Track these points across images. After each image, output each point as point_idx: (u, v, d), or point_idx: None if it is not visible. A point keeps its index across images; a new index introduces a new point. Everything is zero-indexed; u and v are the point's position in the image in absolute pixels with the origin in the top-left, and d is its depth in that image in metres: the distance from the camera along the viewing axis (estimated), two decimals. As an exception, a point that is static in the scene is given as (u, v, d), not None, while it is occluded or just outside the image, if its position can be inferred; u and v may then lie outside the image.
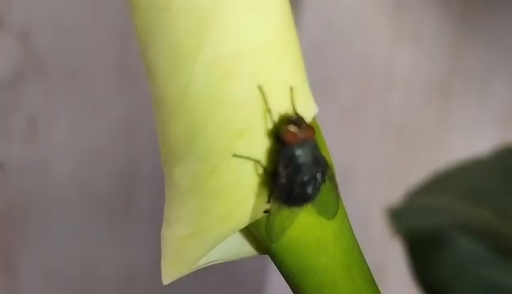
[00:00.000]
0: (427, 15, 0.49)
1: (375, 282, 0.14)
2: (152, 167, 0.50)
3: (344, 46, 0.49)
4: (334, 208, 0.12)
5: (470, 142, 0.49)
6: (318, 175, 0.11)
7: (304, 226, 0.12)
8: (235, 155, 0.11)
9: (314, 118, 0.12)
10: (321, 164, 0.11)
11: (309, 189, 0.11)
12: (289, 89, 0.11)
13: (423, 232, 0.39)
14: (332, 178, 0.12)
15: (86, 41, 0.46)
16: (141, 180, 0.50)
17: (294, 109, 0.11)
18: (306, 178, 0.11)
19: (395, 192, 0.41)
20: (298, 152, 0.11)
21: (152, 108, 0.42)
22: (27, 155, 0.46)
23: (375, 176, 0.50)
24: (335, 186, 0.12)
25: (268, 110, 0.11)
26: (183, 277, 0.14)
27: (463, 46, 0.50)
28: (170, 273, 0.13)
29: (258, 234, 0.13)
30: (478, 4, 0.50)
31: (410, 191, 0.41)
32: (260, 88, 0.11)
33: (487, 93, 0.50)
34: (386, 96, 0.51)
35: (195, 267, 0.13)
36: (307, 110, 0.12)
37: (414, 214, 0.41)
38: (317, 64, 0.48)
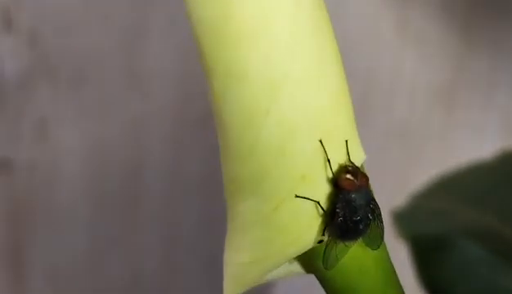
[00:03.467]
0: (432, 18, 0.51)
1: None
2: (160, 168, 0.51)
3: (349, 49, 0.52)
4: (379, 241, 0.15)
5: (475, 146, 0.52)
6: (369, 215, 0.14)
7: (352, 254, 0.15)
8: (297, 196, 0.14)
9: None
10: (372, 205, 0.14)
11: (361, 226, 0.14)
12: (344, 141, 0.14)
13: (427, 235, 0.41)
14: (379, 216, 0.15)
15: (95, 41, 0.48)
16: (149, 181, 0.51)
17: (349, 158, 0.14)
18: (359, 217, 0.14)
19: (399, 195, 0.43)
20: (355, 197, 0.14)
21: (161, 110, 0.44)
22: (36, 155, 0.48)
23: (379, 179, 0.53)
24: (381, 222, 0.15)
25: (328, 160, 0.14)
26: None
27: (468, 50, 0.52)
28: (231, 292, 0.16)
29: (308, 259, 0.16)
30: (483, 8, 0.52)
31: (415, 194, 0.44)
32: (321, 142, 0.14)
33: (492, 97, 0.52)
34: (391, 100, 0.53)
35: (251, 286, 0.16)
36: (358, 158, 0.15)
37: (418, 217, 0.43)
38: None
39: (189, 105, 0.51)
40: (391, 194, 0.49)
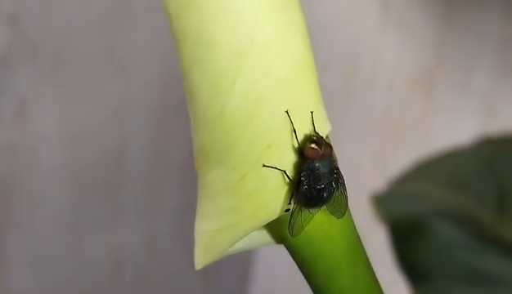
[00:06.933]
0: (413, 5, 0.52)
1: (371, 265, 0.18)
2: (141, 152, 0.52)
3: (331, 35, 0.52)
4: (343, 209, 0.16)
5: (454, 131, 0.52)
6: (333, 183, 0.15)
7: (318, 222, 0.16)
8: (264, 165, 0.15)
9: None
10: (335, 174, 0.15)
11: (325, 194, 0.15)
12: (309, 112, 0.15)
13: (406, 218, 0.42)
14: (343, 185, 0.15)
15: (76, 25, 0.48)
16: (130, 165, 0.52)
17: (314, 129, 0.15)
18: (323, 185, 0.15)
19: (379, 179, 0.44)
20: (318, 165, 0.15)
21: (143, 94, 0.44)
22: (15, 138, 0.48)
23: (359, 163, 0.54)
24: (345, 191, 0.15)
25: (293, 130, 0.15)
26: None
27: (448, 36, 0.53)
28: (202, 260, 0.16)
29: (277, 228, 0.17)
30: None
31: (395, 178, 0.44)
32: (287, 112, 0.15)
33: (471, 83, 0.53)
34: (371, 86, 0.54)
35: (221, 255, 0.17)
36: (323, 129, 0.15)
37: (397, 201, 0.44)
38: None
39: (171, 90, 0.51)
40: (371, 178, 0.49)
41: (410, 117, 0.54)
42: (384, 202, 0.43)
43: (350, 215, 0.17)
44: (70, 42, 0.48)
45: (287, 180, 0.15)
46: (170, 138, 0.52)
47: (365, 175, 0.53)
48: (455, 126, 0.53)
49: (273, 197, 0.15)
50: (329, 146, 0.15)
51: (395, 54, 0.53)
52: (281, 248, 0.17)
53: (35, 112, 0.48)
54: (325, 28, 0.52)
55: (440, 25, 0.52)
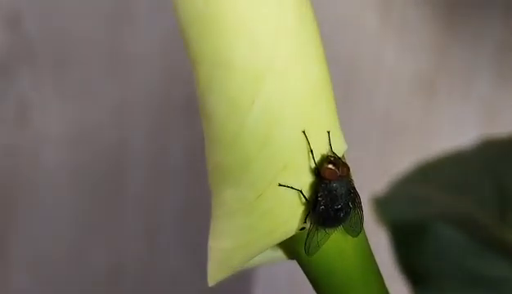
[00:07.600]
0: (415, 7, 0.52)
1: (383, 280, 0.18)
2: (141, 152, 0.52)
3: (333, 37, 0.52)
4: (359, 228, 0.16)
5: (454, 134, 0.52)
6: (350, 203, 0.15)
7: (333, 240, 0.16)
8: (280, 185, 0.15)
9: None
10: (352, 194, 0.15)
11: (342, 214, 0.15)
12: (326, 132, 0.15)
13: (406, 221, 0.42)
14: (360, 204, 0.15)
15: (76, 26, 0.48)
16: (130, 165, 0.52)
17: (331, 149, 0.15)
18: (340, 206, 0.15)
19: (380, 181, 0.44)
20: (336, 186, 0.15)
21: (145, 96, 0.44)
22: (16, 140, 0.48)
23: (360, 165, 0.54)
24: (361, 211, 0.15)
25: (310, 150, 0.15)
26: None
27: (449, 39, 0.53)
28: (216, 276, 0.16)
29: (290, 245, 0.17)
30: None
31: (395, 180, 0.44)
32: (304, 132, 0.15)
33: (472, 85, 0.53)
34: (372, 87, 0.54)
35: (235, 271, 0.17)
36: (340, 148, 0.15)
37: (398, 203, 0.44)
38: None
39: (173, 91, 0.51)
40: (371, 180, 0.49)
41: (410, 119, 0.54)
42: (384, 205, 0.43)
43: (364, 232, 0.17)
44: (71, 43, 0.48)
45: (303, 199, 0.15)
46: (170, 138, 0.52)
47: (365, 176, 0.53)
48: (456, 128, 0.53)
49: (289, 216, 0.15)
50: (346, 166, 0.15)
51: (396, 56, 0.53)
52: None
53: (36, 113, 0.48)
54: (325, 30, 0.51)
55: (441, 28, 0.52)
